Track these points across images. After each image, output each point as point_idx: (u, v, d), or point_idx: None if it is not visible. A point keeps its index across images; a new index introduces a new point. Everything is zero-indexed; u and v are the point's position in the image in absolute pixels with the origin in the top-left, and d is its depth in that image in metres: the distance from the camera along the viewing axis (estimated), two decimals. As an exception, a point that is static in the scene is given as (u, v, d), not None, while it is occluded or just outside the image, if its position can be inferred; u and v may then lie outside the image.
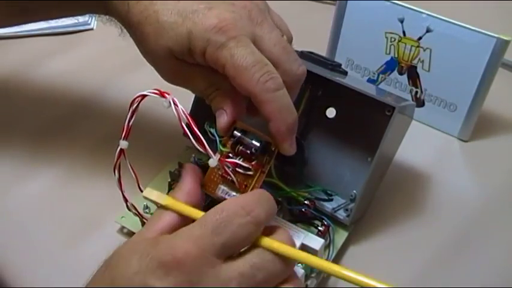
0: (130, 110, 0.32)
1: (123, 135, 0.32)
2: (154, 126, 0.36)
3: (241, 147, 0.34)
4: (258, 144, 0.34)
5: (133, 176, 0.33)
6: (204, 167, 0.40)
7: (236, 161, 0.34)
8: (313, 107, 0.42)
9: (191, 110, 0.41)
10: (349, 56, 0.52)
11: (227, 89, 0.33)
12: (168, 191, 0.40)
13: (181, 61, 0.33)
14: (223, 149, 0.34)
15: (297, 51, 0.41)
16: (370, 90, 0.41)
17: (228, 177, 0.34)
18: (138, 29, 0.34)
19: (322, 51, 0.52)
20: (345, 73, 0.41)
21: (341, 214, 0.39)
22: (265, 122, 0.33)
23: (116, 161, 0.33)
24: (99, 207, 0.42)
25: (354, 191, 0.40)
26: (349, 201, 0.40)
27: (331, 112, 0.42)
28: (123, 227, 0.40)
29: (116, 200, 0.40)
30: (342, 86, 0.38)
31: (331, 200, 0.40)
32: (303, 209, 0.39)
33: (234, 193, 0.34)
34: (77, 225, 0.41)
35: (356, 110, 0.41)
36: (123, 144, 0.32)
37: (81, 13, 0.41)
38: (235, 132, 0.34)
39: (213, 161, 0.33)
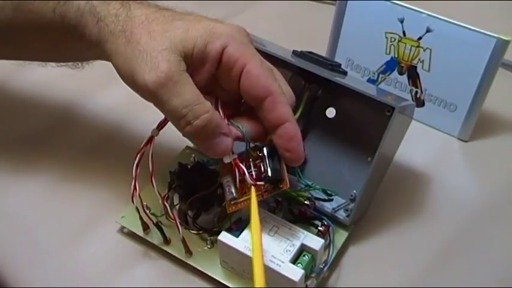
0: None
1: (158, 125, 0.35)
2: (154, 126, 0.36)
3: (261, 164, 0.35)
4: (270, 174, 0.35)
5: (150, 168, 0.35)
6: (205, 167, 0.40)
7: (245, 170, 0.35)
8: (312, 107, 0.42)
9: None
10: (349, 56, 0.52)
11: (213, 110, 0.33)
12: (168, 191, 0.40)
13: (177, 62, 0.33)
14: (251, 152, 0.36)
15: (296, 51, 0.41)
16: (369, 90, 0.42)
17: (239, 176, 0.35)
18: (139, 27, 0.33)
19: (322, 51, 0.52)
20: (345, 73, 0.41)
21: (341, 214, 0.40)
22: (273, 128, 0.34)
23: (143, 146, 0.35)
24: (99, 208, 0.42)
25: (354, 191, 0.40)
26: (349, 202, 0.40)
27: (331, 112, 0.42)
28: (123, 227, 0.40)
29: (115, 201, 0.41)
30: (341, 86, 0.38)
31: (331, 200, 0.40)
32: (303, 209, 0.39)
33: (233, 190, 0.35)
34: (77, 225, 0.41)
35: (356, 110, 0.41)
36: (155, 132, 0.35)
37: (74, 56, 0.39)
38: (264, 149, 0.35)
39: (227, 158, 0.34)
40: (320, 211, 0.40)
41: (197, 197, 0.38)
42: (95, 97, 0.50)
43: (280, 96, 0.34)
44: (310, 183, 0.41)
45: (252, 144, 0.36)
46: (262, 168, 0.35)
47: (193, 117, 0.32)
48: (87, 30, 0.34)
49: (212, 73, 0.34)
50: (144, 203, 0.37)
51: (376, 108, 0.38)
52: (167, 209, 0.37)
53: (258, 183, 0.35)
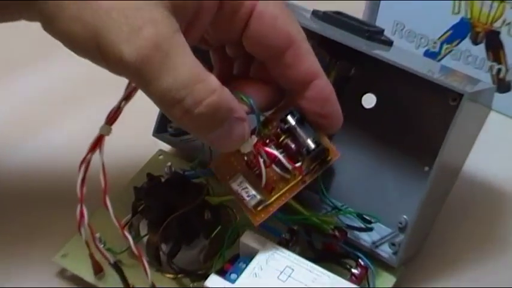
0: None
1: (108, 118, 0.35)
2: (118, 123, 0.37)
3: (288, 140, 0.36)
4: (313, 145, 0.36)
5: (103, 183, 0.35)
6: (187, 180, 0.41)
7: (277, 153, 0.36)
8: (342, 93, 0.42)
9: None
10: (398, 18, 0.53)
11: (222, 88, 0.34)
12: (132, 217, 0.41)
13: (166, 22, 0.32)
14: (263, 130, 0.37)
15: (317, 12, 0.43)
16: (427, 68, 0.42)
17: (256, 169, 0.36)
18: None
19: (358, 11, 0.52)
20: (390, 43, 0.42)
21: (385, 251, 0.40)
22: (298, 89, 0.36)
23: (88, 152, 0.35)
24: (30, 243, 0.43)
25: (404, 217, 0.41)
26: (397, 232, 0.41)
27: (368, 100, 0.43)
28: (64, 270, 0.41)
29: (53, 233, 0.42)
30: (384, 64, 0.39)
31: (370, 229, 0.41)
32: (329, 242, 0.40)
33: (254, 192, 0.36)
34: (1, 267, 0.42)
35: (405, 98, 0.42)
36: (106, 129, 0.35)
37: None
38: (289, 117, 0.36)
39: (246, 146, 0.35)
40: (354, 245, 0.40)
41: (173, 220, 0.39)
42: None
43: (305, 45, 0.35)
44: (339, 204, 0.42)
45: (261, 126, 0.37)
46: (293, 145, 0.36)
47: (194, 103, 0.32)
48: None
49: (207, 25, 0.35)
50: (96, 235, 0.38)
51: (436, 95, 0.39)
52: (130, 242, 0.37)
53: (297, 165, 0.36)
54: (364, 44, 0.41)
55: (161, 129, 0.47)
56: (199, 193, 0.40)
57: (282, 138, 0.37)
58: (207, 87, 0.32)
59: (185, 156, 0.46)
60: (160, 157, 0.46)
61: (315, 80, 0.36)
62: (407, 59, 0.41)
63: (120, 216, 0.37)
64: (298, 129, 0.36)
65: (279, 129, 0.37)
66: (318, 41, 0.41)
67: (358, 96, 0.44)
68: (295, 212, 0.40)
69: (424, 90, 0.40)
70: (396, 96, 0.43)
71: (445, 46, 0.52)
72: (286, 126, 0.36)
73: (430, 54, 0.53)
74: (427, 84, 0.38)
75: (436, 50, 0.53)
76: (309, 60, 0.36)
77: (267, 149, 0.36)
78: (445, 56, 0.53)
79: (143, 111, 0.37)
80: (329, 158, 0.37)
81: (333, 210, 0.41)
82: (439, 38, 0.53)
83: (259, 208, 0.37)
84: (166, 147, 0.47)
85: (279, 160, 0.36)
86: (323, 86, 0.36)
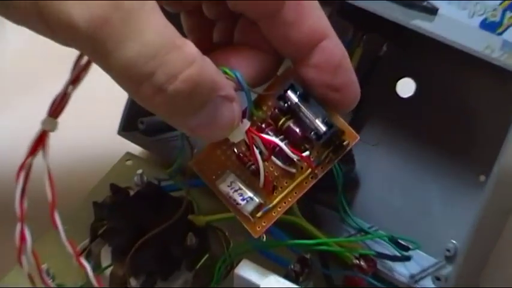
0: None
1: (51, 108, 0.33)
2: (72, 117, 0.36)
3: (290, 123, 0.36)
4: (323, 128, 0.35)
5: (49, 195, 0.34)
6: (163, 193, 0.41)
7: (277, 141, 0.35)
8: (371, 78, 0.43)
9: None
10: (446, -23, 0.52)
11: (202, 57, 0.33)
12: (91, 241, 0.41)
13: None
14: (256, 112, 0.36)
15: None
16: (483, 44, 0.42)
17: (250, 164, 0.36)
18: None
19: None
20: (434, 11, 0.41)
21: (428, 286, 0.40)
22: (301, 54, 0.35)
23: (29, 155, 0.34)
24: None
25: (453, 242, 0.40)
26: (444, 262, 0.41)
27: (405, 87, 0.43)
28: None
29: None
30: (426, 39, 0.38)
31: (408, 258, 0.40)
32: (353, 276, 0.40)
33: (250, 193, 0.36)
34: None
35: (454, 84, 0.42)
36: (49, 123, 0.33)
37: None
38: (289, 93, 0.36)
39: (237, 133, 0.34)
40: (386, 280, 0.40)
41: (145, 245, 0.38)
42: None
43: (335, 34, 0.35)
44: (366, 225, 0.41)
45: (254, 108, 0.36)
46: (297, 129, 0.36)
47: (168, 77, 0.32)
48: None
49: None
50: (43, 266, 0.37)
51: (494, 79, 0.39)
52: (88, 274, 0.37)
53: (304, 154, 0.35)
54: (400, 12, 0.40)
55: (129, 126, 0.46)
56: (179, 210, 0.39)
57: (282, 121, 0.36)
58: (183, 56, 0.32)
59: (160, 161, 0.46)
60: (128, 162, 0.46)
61: (323, 41, 0.35)
62: (457, 32, 0.40)
63: (75, 241, 0.36)
64: (302, 107, 0.35)
65: (277, 110, 0.36)
66: (338, 9, 0.41)
67: (392, 81, 0.43)
68: (307, 235, 0.40)
69: (479, 74, 0.39)
70: (441, 82, 0.42)
71: (508, 14, 0.52)
72: (286, 104, 0.36)
73: (488, 26, 0.52)
74: (483, 66, 0.37)
75: (497, 19, 0.52)
76: (314, 16, 0.35)
77: (264, 135, 0.35)
78: (508, 27, 0.52)
79: (105, 102, 0.36)
80: (346, 142, 0.36)
81: (358, 233, 0.41)
82: (501, 4, 0.52)
83: (258, 214, 0.36)
84: (136, 149, 0.46)
85: (280, 150, 0.35)
86: (333, 48, 0.35)
